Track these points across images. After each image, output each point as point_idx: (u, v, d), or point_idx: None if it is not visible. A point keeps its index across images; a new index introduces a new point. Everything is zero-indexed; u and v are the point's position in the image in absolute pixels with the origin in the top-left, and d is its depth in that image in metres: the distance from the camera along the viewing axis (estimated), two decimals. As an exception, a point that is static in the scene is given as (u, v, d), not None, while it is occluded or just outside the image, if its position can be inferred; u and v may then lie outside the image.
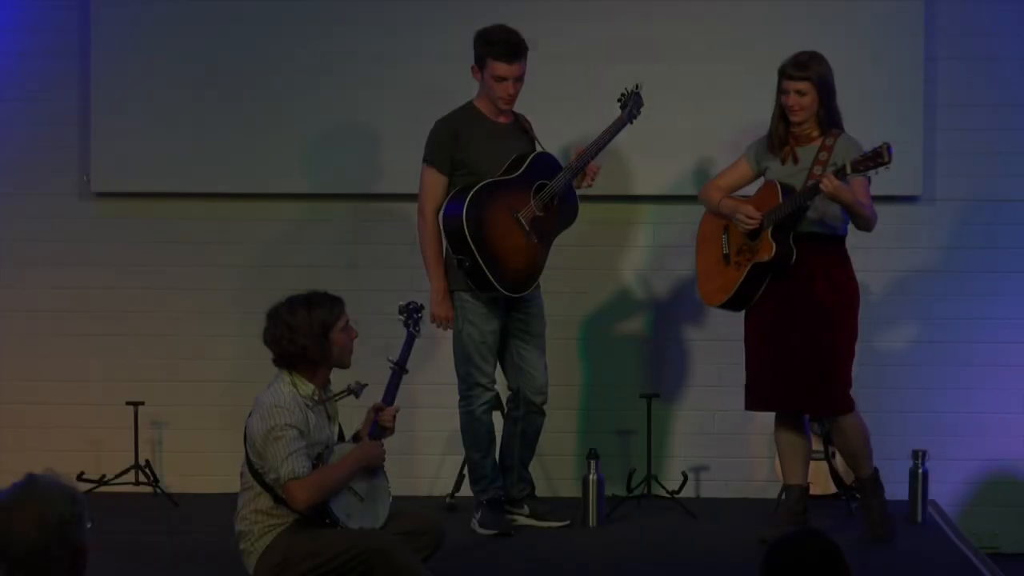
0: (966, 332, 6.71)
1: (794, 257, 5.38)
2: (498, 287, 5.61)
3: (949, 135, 6.63)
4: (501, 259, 5.62)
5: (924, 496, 6.11)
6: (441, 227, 5.66)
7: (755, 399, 5.66)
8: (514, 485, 5.89)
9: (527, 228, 5.65)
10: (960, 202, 6.59)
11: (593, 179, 5.77)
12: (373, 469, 4.67)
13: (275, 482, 4.43)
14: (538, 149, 5.80)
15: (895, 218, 6.39)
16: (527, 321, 5.80)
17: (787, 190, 5.39)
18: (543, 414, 5.87)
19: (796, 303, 5.43)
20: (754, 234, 5.45)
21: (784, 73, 5.42)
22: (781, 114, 5.47)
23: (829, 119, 5.43)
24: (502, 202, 5.63)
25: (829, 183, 5.19)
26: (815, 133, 5.45)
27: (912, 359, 6.51)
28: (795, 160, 5.45)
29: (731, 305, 5.63)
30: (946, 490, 6.64)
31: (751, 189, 5.70)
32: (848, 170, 5.21)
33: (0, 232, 6.86)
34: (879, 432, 6.07)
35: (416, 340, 5.01)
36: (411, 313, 5.02)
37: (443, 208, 5.66)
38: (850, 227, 5.49)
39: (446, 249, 5.69)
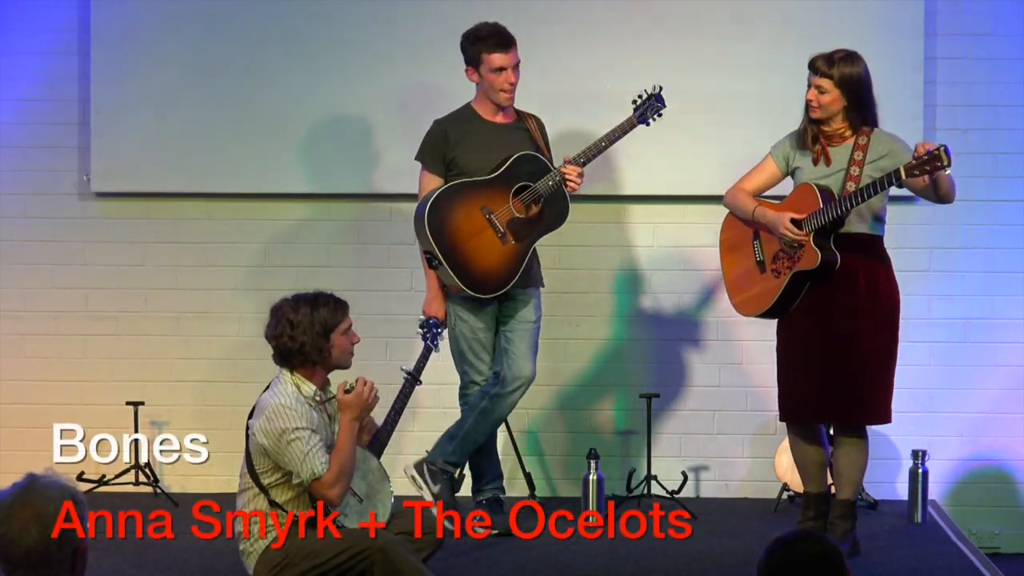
0: (965, 332, 6.71)
1: (839, 263, 5.20)
2: (463, 287, 5.57)
3: (949, 135, 6.62)
4: (466, 259, 5.56)
5: (924, 496, 6.11)
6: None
7: (791, 411, 5.40)
8: (443, 447, 5.71)
9: (501, 229, 5.61)
10: (960, 202, 6.57)
11: (577, 183, 5.62)
12: (375, 473, 4.71)
13: (298, 485, 4.45)
14: (543, 150, 5.73)
15: (895, 218, 6.39)
16: (515, 310, 5.71)
17: (825, 193, 5.21)
18: (512, 404, 5.70)
19: (835, 307, 5.24)
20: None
21: (809, 67, 5.28)
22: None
23: (861, 118, 5.27)
24: (474, 202, 5.58)
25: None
26: (847, 133, 5.28)
27: (912, 359, 6.51)
28: (827, 161, 5.28)
29: (769, 315, 5.40)
30: (946, 490, 6.65)
31: (776, 189, 5.56)
32: (903, 175, 5.01)
33: (0, 232, 6.86)
34: (880, 431, 6.07)
35: (433, 354, 5.31)
36: (431, 328, 5.35)
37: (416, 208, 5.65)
38: (887, 228, 5.37)
39: None
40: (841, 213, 5.18)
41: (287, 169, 6.76)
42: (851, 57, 5.28)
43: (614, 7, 6.65)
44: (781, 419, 5.50)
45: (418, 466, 5.71)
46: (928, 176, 5.07)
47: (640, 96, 5.70)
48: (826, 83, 5.25)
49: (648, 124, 5.71)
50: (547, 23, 6.59)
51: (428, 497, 5.60)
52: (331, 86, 6.73)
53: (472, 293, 5.59)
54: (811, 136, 5.33)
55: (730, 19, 6.63)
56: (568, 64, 6.60)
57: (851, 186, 5.21)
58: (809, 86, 5.30)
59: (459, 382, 5.84)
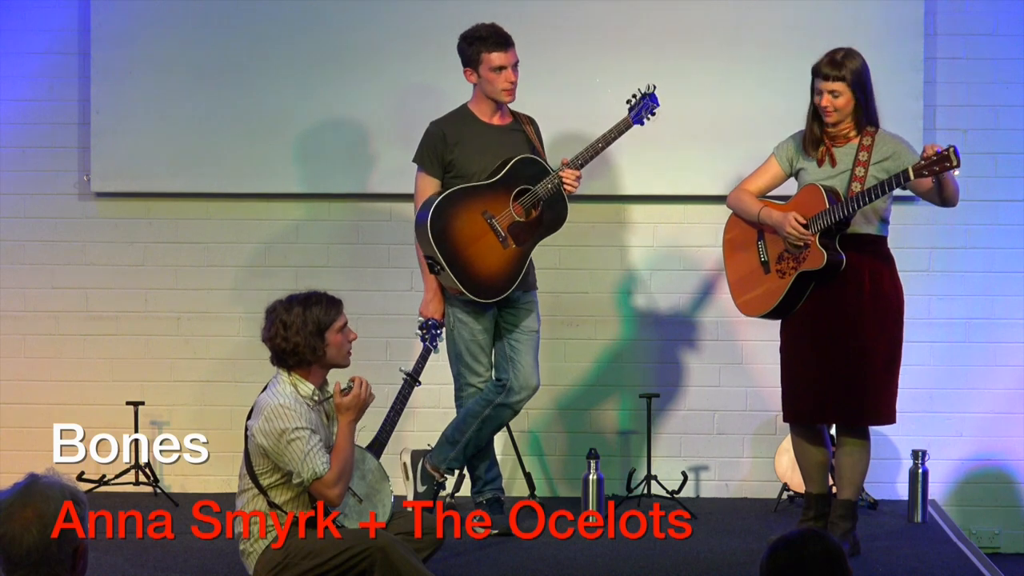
0: (966, 332, 6.71)
1: (844, 264, 5.20)
2: (464, 291, 5.56)
3: (949, 135, 6.62)
4: (468, 263, 5.55)
5: (924, 496, 6.11)
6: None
7: (795, 411, 5.40)
8: (444, 453, 5.74)
9: (502, 232, 5.60)
10: (960, 202, 6.58)
11: (575, 186, 5.61)
12: (375, 473, 4.73)
13: (298, 485, 4.45)
14: (539, 153, 5.72)
15: (895, 218, 6.38)
16: (519, 317, 5.73)
17: (832, 194, 5.20)
18: (516, 412, 5.76)
19: (840, 308, 5.24)
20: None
21: (818, 72, 5.24)
22: (815, 114, 5.29)
23: (867, 117, 5.26)
24: (475, 206, 5.58)
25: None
26: (852, 133, 5.27)
27: (912, 359, 6.50)
28: (832, 162, 5.27)
29: (773, 315, 5.40)
30: (946, 490, 6.65)
31: (780, 190, 5.56)
32: (911, 176, 5.03)
33: (0, 232, 6.86)
34: (880, 431, 6.08)
35: (432, 354, 5.43)
36: (430, 329, 5.46)
37: (417, 213, 5.65)
38: (890, 228, 5.37)
39: None
40: (848, 214, 5.18)
41: (287, 169, 6.76)
42: (851, 53, 5.29)
43: (612, 9, 6.65)
44: (785, 419, 5.50)
45: (415, 459, 5.73)
46: (934, 178, 5.07)
47: (634, 96, 5.69)
48: (839, 85, 5.22)
49: (642, 124, 5.69)
50: (545, 25, 6.59)
51: (409, 490, 5.70)
52: (330, 87, 6.73)
53: (474, 298, 5.59)
54: (813, 140, 5.32)
55: (730, 20, 6.62)
56: (566, 66, 6.60)
57: (856, 187, 5.21)
58: (816, 93, 5.26)
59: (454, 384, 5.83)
